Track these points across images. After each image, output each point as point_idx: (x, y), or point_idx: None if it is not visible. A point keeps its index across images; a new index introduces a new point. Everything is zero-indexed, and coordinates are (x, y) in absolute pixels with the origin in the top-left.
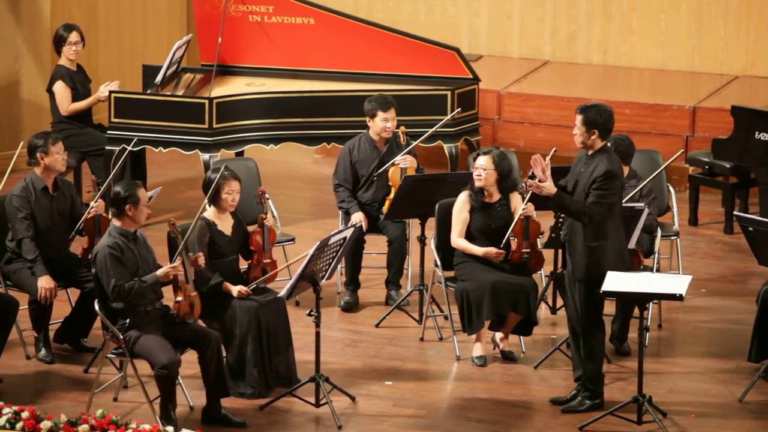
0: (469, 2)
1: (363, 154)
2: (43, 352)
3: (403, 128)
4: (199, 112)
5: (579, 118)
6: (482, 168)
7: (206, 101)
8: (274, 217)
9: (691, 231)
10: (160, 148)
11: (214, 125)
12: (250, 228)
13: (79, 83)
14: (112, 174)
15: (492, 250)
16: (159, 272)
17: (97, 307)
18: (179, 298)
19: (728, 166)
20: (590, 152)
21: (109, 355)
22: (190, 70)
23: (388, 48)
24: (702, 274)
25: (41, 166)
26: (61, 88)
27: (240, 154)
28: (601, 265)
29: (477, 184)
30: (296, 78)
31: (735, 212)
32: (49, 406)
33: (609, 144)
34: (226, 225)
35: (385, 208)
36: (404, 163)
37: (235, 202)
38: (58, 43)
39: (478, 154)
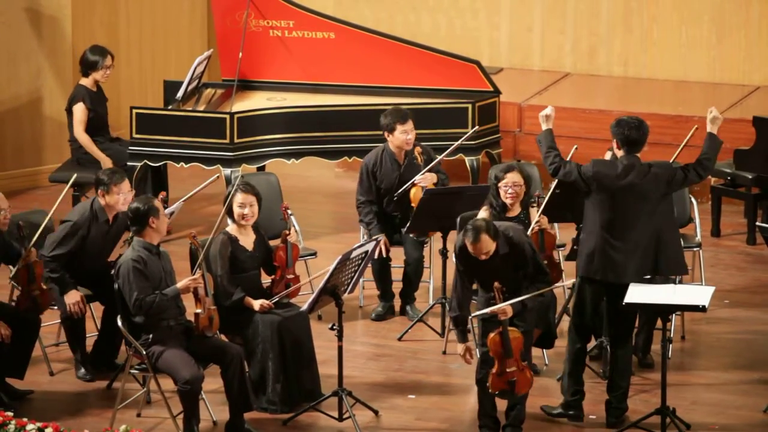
0: (490, 15)
1: (384, 169)
2: (82, 371)
3: (419, 148)
4: (221, 127)
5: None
6: (517, 185)
7: (227, 116)
8: (296, 231)
9: (714, 242)
10: (182, 163)
11: (236, 140)
12: (273, 243)
13: (97, 101)
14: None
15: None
16: (179, 285)
17: (119, 323)
18: (198, 311)
19: (750, 176)
20: None
21: (132, 371)
22: (211, 86)
23: (408, 61)
24: (725, 285)
25: (103, 201)
26: (80, 110)
27: (261, 168)
28: (581, 260)
29: (510, 201)
30: (317, 92)
31: (757, 223)
32: (73, 422)
33: (635, 156)
34: (247, 240)
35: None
36: (424, 182)
37: (249, 216)
38: (91, 66)
39: (504, 171)
